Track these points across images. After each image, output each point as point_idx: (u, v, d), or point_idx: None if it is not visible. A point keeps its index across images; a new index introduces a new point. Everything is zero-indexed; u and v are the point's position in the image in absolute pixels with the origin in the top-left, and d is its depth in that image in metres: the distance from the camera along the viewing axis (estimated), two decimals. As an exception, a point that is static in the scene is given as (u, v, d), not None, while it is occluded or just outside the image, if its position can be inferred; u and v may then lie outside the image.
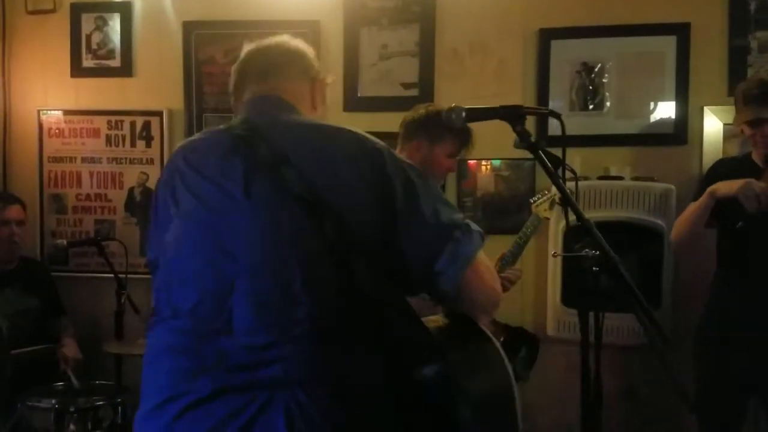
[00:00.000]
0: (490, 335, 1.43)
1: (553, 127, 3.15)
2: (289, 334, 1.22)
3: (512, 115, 1.47)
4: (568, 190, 1.43)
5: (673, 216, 2.95)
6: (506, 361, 1.38)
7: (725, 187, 2.57)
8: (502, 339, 2.57)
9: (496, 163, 3.37)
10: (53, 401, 2.67)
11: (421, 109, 2.42)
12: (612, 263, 1.31)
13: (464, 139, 2.37)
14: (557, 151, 1.55)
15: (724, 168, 2.82)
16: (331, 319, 1.24)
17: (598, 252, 1.34)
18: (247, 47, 1.57)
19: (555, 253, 3.11)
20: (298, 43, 1.57)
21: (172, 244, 1.34)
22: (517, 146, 1.50)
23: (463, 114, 1.49)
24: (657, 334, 1.27)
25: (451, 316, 1.45)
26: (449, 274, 1.28)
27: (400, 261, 1.28)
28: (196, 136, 1.49)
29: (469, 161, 3.33)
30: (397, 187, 1.29)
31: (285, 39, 1.57)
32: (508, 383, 1.35)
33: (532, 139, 1.44)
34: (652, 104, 3.31)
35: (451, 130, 2.24)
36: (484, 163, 3.37)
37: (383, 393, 1.22)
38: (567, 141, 1.62)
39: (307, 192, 1.25)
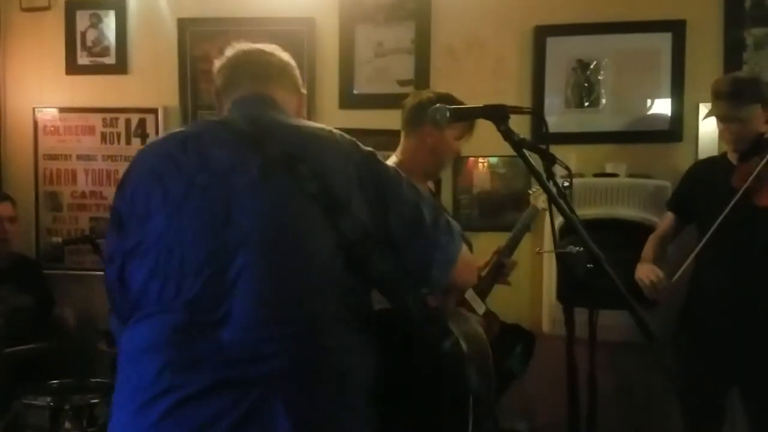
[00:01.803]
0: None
1: (552, 124, 3.16)
2: (288, 329, 1.22)
3: (496, 114, 1.47)
4: (553, 188, 1.43)
5: (668, 213, 2.95)
6: (477, 323, 1.56)
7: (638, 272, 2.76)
8: (496, 331, 2.58)
9: (493, 160, 3.37)
10: (48, 399, 2.65)
11: (423, 95, 2.40)
12: (597, 260, 1.31)
13: (471, 121, 2.36)
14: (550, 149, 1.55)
15: (701, 169, 2.86)
16: (332, 317, 1.25)
17: (582, 248, 1.34)
18: (238, 46, 1.57)
19: (539, 250, 3.11)
20: (289, 57, 1.60)
21: (163, 233, 1.29)
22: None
23: (447, 114, 1.50)
24: (644, 332, 1.27)
25: None
26: (440, 277, 1.38)
27: (395, 263, 1.32)
28: (185, 128, 1.46)
29: (466, 158, 3.33)
30: (390, 192, 1.35)
31: (277, 48, 1.59)
32: (485, 341, 1.48)
33: (515, 138, 1.44)
34: (647, 101, 3.31)
35: None
36: (480, 160, 3.37)
37: (375, 389, 1.26)
38: (552, 139, 1.69)
39: (322, 190, 1.27)
